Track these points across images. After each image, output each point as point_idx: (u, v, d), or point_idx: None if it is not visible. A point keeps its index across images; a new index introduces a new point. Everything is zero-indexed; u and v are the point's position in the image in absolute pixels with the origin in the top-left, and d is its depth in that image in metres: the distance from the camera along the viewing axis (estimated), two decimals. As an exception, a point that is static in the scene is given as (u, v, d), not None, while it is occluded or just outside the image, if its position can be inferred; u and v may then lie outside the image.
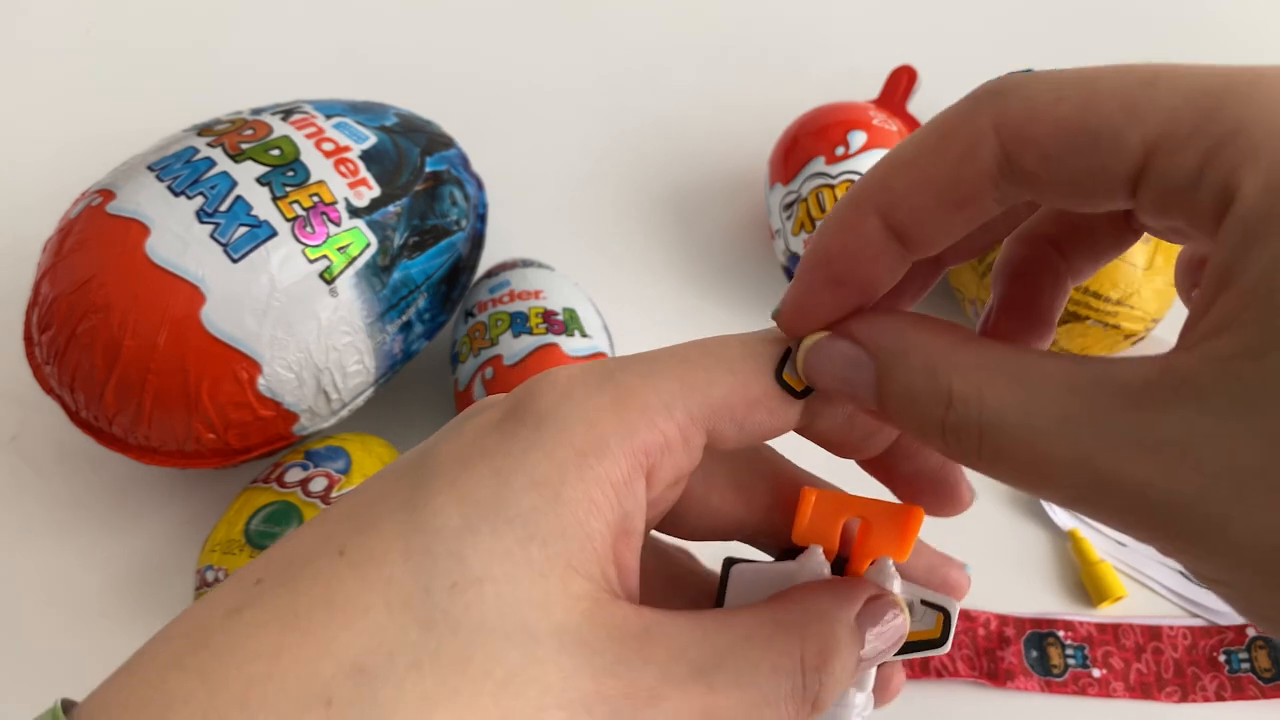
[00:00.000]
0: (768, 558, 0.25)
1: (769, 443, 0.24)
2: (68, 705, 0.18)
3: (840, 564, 0.24)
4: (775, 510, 0.25)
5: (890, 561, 0.24)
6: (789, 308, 0.22)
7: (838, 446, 0.24)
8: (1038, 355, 0.19)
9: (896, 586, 0.24)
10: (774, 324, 0.23)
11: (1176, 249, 0.50)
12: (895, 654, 0.23)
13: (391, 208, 0.46)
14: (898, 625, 0.23)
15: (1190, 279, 0.23)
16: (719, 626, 0.21)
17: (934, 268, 0.24)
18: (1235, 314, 0.16)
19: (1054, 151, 0.18)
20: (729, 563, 0.24)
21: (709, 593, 0.25)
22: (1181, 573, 0.46)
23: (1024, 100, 0.18)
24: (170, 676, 0.18)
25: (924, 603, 0.24)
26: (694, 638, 0.20)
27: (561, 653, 0.18)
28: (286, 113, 0.47)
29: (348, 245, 0.44)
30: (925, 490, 0.25)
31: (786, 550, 0.24)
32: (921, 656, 0.24)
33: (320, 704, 0.17)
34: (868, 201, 0.21)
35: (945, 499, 0.25)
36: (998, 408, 0.18)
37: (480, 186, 0.53)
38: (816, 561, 0.24)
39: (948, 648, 0.24)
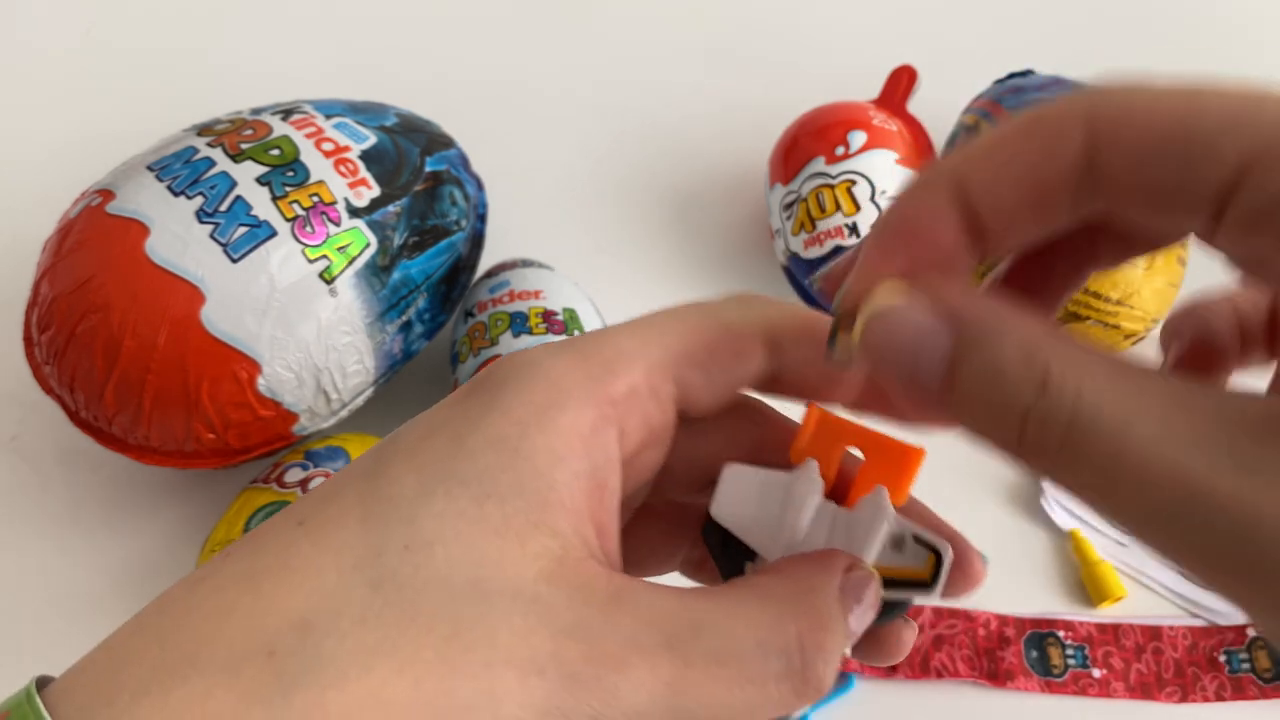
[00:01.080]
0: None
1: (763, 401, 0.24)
2: (43, 681, 0.18)
3: (835, 494, 0.23)
4: (756, 459, 0.24)
5: (885, 491, 0.22)
6: (853, 282, 0.20)
7: (810, 388, 0.23)
8: (1147, 369, 0.17)
9: (889, 519, 0.22)
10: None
11: (1177, 250, 0.50)
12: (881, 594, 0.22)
13: (391, 208, 0.46)
14: (874, 597, 0.22)
15: (1174, 338, 0.23)
16: (700, 599, 0.20)
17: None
18: None
19: (1144, 155, 0.17)
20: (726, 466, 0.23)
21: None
22: (1182, 572, 0.46)
23: (1121, 102, 0.18)
24: (129, 640, 0.18)
25: (916, 539, 0.22)
26: (669, 608, 0.19)
27: (514, 611, 0.18)
28: (286, 113, 0.47)
29: (347, 245, 0.44)
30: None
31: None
32: (904, 598, 0.23)
33: (262, 655, 0.17)
34: (946, 172, 0.19)
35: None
36: (1097, 402, 0.16)
37: (480, 186, 0.53)
38: (810, 475, 0.23)
39: (937, 596, 0.22)
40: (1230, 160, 0.17)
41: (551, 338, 0.46)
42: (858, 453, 0.24)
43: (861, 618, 0.21)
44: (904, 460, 0.22)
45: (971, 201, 0.19)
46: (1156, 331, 0.50)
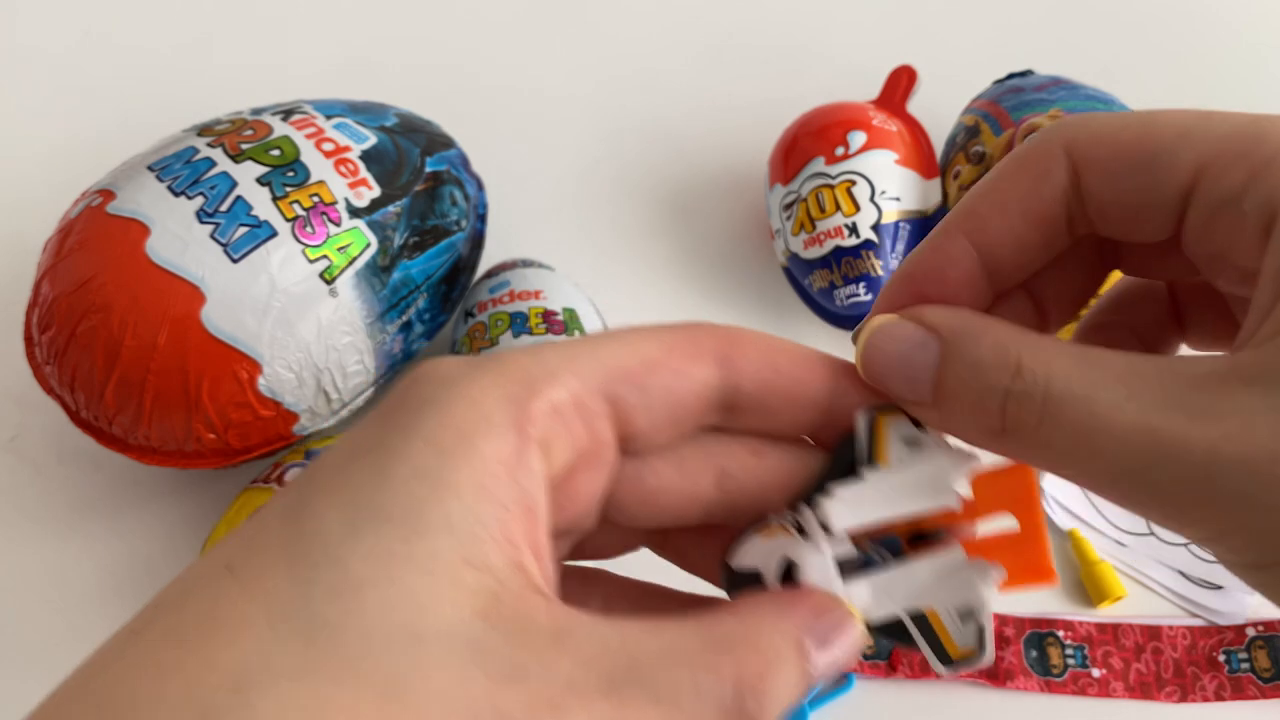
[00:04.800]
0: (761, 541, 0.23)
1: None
2: None
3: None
4: (726, 479, 0.23)
5: (974, 562, 0.22)
6: (869, 316, 0.23)
7: (773, 418, 0.23)
8: (1103, 348, 0.20)
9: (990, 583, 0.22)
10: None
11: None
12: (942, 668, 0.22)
13: (391, 208, 0.46)
14: (852, 636, 0.21)
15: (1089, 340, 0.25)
16: (642, 634, 0.19)
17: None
18: None
19: (1115, 170, 0.20)
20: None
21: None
22: (1182, 573, 0.46)
23: (1093, 128, 0.21)
24: (68, 708, 0.18)
25: (980, 622, 0.22)
26: (610, 646, 0.18)
27: (450, 656, 0.17)
28: (286, 113, 0.47)
29: (348, 245, 0.44)
30: None
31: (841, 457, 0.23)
32: (917, 649, 0.23)
33: (197, 718, 0.17)
34: (956, 225, 0.22)
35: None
36: (1065, 378, 0.19)
37: (480, 186, 0.53)
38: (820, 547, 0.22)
39: (943, 673, 0.22)
40: (1186, 166, 0.20)
41: (552, 338, 0.46)
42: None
43: (832, 660, 0.21)
44: (1019, 482, 0.22)
45: (986, 240, 0.22)
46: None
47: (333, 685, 0.17)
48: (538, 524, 0.20)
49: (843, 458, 0.23)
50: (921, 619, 0.22)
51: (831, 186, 0.51)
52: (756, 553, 0.22)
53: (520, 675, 0.18)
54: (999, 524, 0.23)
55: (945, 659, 0.22)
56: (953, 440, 0.22)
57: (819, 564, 0.22)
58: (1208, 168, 0.19)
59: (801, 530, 0.22)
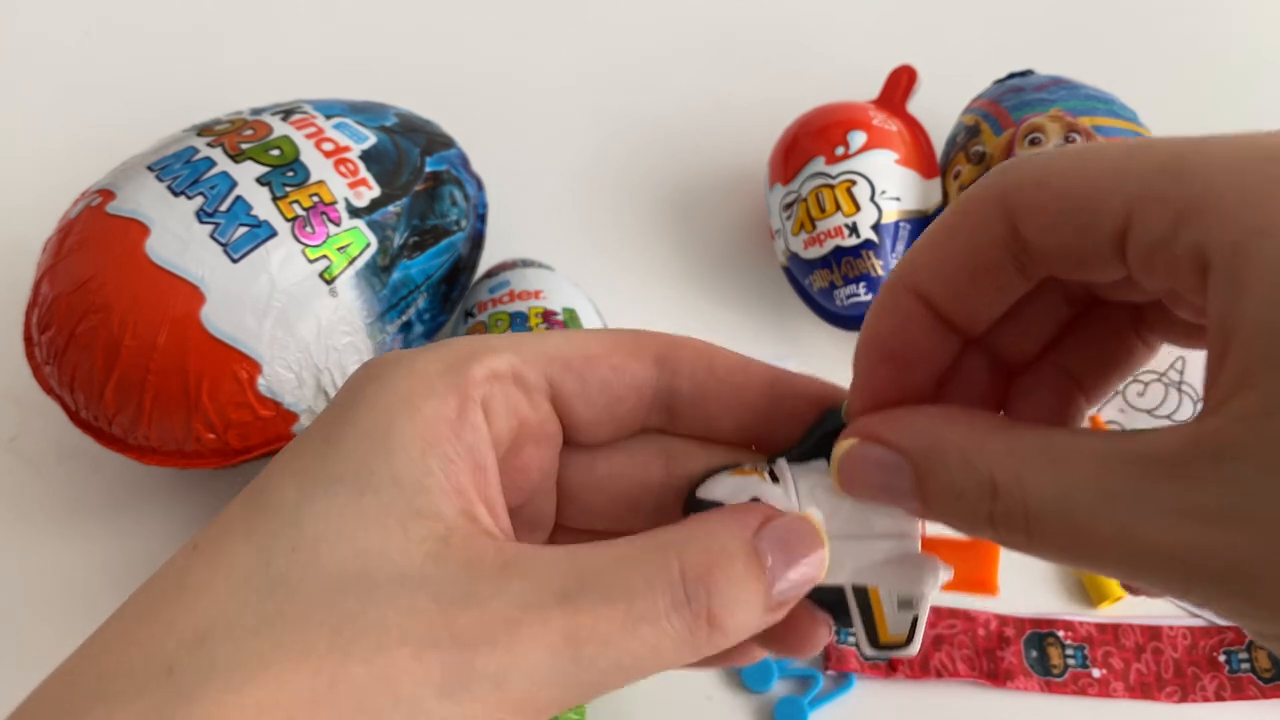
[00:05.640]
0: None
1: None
2: None
3: None
4: (675, 463, 0.24)
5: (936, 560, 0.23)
6: (854, 396, 0.23)
7: (714, 422, 0.24)
8: (1069, 434, 0.19)
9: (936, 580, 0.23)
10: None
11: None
12: (868, 655, 0.23)
13: (391, 208, 0.46)
14: (810, 541, 0.22)
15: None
16: (591, 551, 0.20)
17: (1003, 375, 0.24)
18: (1246, 370, 0.16)
19: (1050, 217, 0.20)
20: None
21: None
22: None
23: (1025, 174, 0.20)
24: (43, 688, 0.19)
25: (915, 611, 0.23)
26: (560, 566, 0.19)
27: (402, 594, 0.18)
28: (286, 113, 0.47)
29: (348, 245, 0.44)
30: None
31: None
32: (850, 631, 0.23)
33: (162, 674, 0.17)
34: (899, 281, 0.22)
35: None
36: (1039, 493, 0.19)
37: (480, 186, 0.53)
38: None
39: (866, 653, 0.23)
40: (1116, 210, 0.18)
41: (551, 338, 0.46)
42: None
43: (791, 564, 0.21)
44: (984, 550, 0.23)
45: (930, 291, 0.22)
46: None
47: (290, 633, 0.18)
48: (487, 479, 0.21)
49: (827, 427, 0.23)
50: (863, 594, 0.23)
51: (832, 186, 0.51)
52: (725, 486, 0.23)
53: (473, 601, 0.18)
54: None
55: (874, 640, 0.23)
56: None
57: (785, 505, 0.23)
58: (1136, 210, 0.18)
59: (775, 479, 0.23)
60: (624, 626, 0.19)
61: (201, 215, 0.42)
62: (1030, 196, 0.20)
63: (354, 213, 0.44)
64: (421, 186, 0.48)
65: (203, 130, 0.46)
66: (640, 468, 0.24)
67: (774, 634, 0.23)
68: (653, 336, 0.23)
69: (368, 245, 0.45)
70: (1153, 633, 0.45)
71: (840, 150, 0.51)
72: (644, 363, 0.23)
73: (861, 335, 0.23)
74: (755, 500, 0.23)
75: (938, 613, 0.45)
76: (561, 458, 0.24)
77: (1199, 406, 0.19)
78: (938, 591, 0.23)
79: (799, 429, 0.24)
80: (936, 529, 0.23)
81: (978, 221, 0.21)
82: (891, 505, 0.22)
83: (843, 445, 0.22)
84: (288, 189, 0.43)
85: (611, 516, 0.25)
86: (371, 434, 0.20)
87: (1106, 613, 0.45)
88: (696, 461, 0.24)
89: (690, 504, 0.23)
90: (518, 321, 0.47)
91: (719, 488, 0.23)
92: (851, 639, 0.44)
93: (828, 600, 0.23)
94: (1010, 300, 0.22)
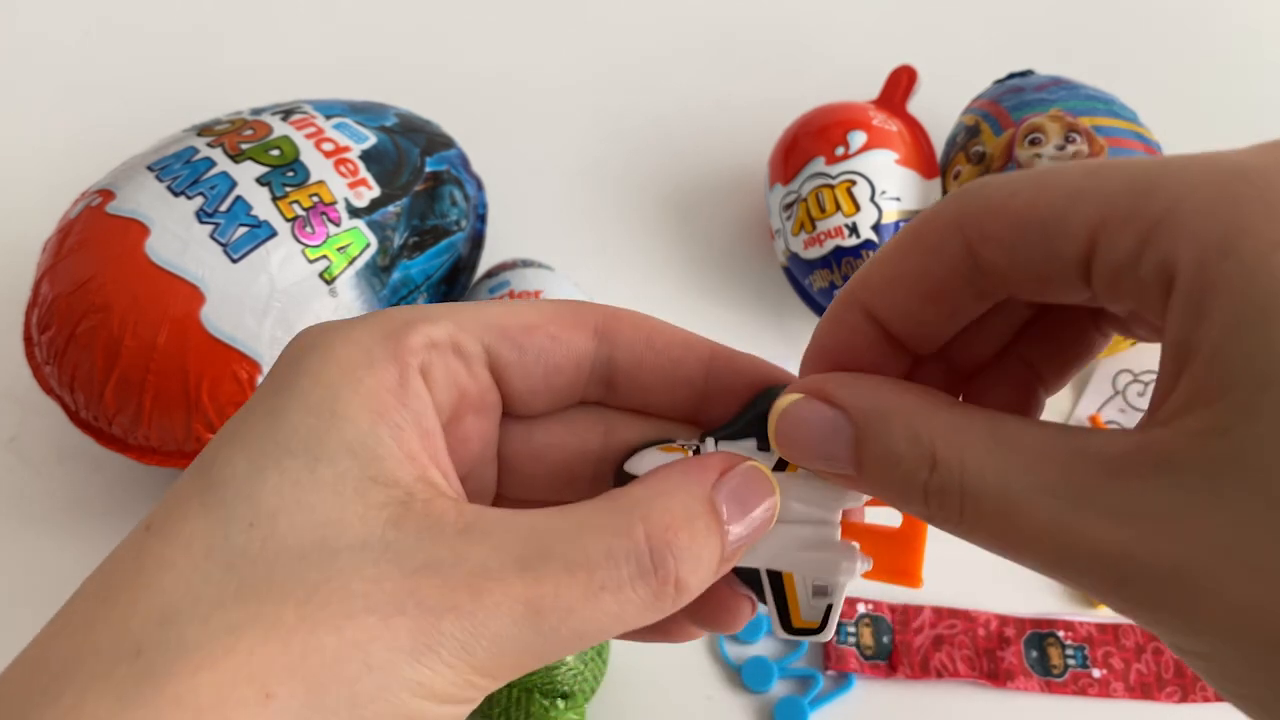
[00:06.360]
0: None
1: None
2: None
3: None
4: (613, 435, 0.24)
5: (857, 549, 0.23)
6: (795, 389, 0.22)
7: (652, 396, 0.24)
8: (1019, 421, 0.19)
9: (845, 573, 0.23)
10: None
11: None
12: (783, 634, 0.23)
13: (391, 208, 0.46)
14: (761, 486, 0.22)
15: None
16: (551, 517, 0.20)
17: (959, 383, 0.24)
18: (1203, 390, 0.16)
19: (1010, 242, 0.19)
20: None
21: None
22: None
23: (983, 198, 0.20)
24: (10, 671, 0.19)
25: (829, 600, 0.23)
26: (520, 532, 0.19)
27: (364, 562, 0.18)
28: (286, 113, 0.47)
29: (347, 245, 0.44)
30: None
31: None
32: (761, 605, 0.24)
33: (131, 655, 0.17)
34: (850, 297, 0.22)
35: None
36: (978, 472, 0.18)
37: (480, 186, 0.53)
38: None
39: (780, 636, 0.23)
40: (1079, 232, 0.18)
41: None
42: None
43: (748, 515, 0.21)
44: (908, 541, 0.23)
45: (880, 312, 0.21)
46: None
47: (256, 606, 0.18)
48: (436, 444, 0.21)
49: (760, 408, 0.23)
50: (778, 579, 0.23)
51: (832, 186, 0.51)
52: (651, 462, 0.23)
53: (435, 567, 0.18)
54: (885, 517, 0.23)
55: (787, 624, 0.23)
56: None
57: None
58: (1099, 232, 0.18)
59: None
60: (586, 596, 0.19)
61: (201, 215, 0.42)
62: (990, 220, 0.19)
63: (354, 213, 0.44)
64: (421, 187, 0.48)
65: (203, 130, 0.46)
66: (578, 438, 0.24)
67: (698, 609, 0.23)
68: (593, 308, 0.23)
69: (368, 245, 0.45)
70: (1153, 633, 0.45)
71: (840, 150, 0.51)
72: (583, 333, 0.23)
73: (810, 344, 0.23)
74: None
75: (938, 613, 0.45)
76: (500, 428, 0.24)
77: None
78: (855, 581, 0.23)
79: (737, 407, 0.23)
80: (863, 515, 0.24)
81: (933, 245, 0.20)
82: (824, 469, 0.21)
83: (784, 400, 0.22)
84: (288, 189, 0.43)
85: (550, 487, 0.25)
86: (318, 407, 0.20)
87: (1106, 613, 0.45)
88: (634, 434, 0.24)
89: (618, 478, 0.24)
90: (518, 321, 0.47)
91: (644, 463, 0.23)
92: (851, 639, 0.44)
93: (746, 578, 0.23)
94: (964, 322, 0.22)
